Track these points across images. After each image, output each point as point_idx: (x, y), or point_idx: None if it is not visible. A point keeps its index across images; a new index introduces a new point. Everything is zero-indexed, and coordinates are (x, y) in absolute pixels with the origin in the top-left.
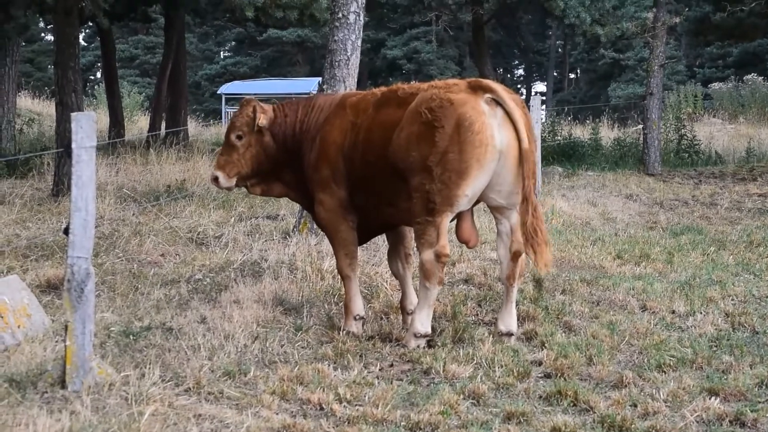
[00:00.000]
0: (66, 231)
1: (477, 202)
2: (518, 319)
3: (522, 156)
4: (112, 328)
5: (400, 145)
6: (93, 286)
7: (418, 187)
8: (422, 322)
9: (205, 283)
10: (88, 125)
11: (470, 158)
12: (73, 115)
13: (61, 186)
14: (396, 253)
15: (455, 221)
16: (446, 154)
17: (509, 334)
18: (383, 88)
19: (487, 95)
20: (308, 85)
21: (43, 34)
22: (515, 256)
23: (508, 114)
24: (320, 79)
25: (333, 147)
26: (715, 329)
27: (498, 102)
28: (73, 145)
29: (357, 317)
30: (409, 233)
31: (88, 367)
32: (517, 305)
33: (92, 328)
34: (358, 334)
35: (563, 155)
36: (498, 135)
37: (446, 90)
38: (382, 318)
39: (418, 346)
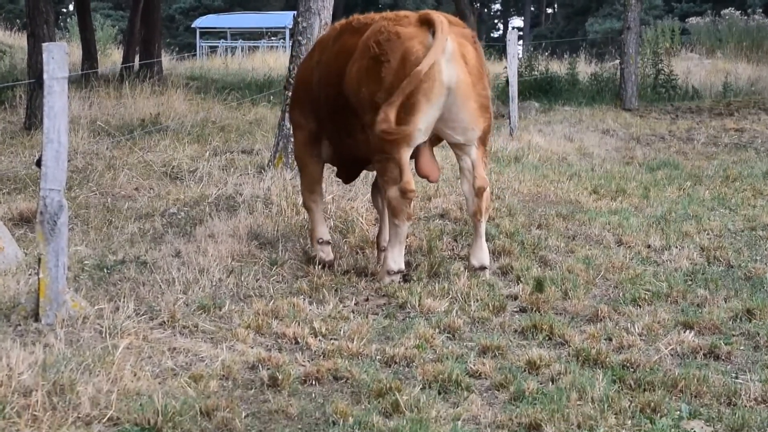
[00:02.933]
0: (38, 163)
1: (440, 140)
2: (493, 254)
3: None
4: (86, 262)
5: (351, 79)
6: (66, 218)
7: (371, 124)
8: (394, 260)
9: (179, 217)
10: (60, 56)
11: (417, 93)
12: (45, 45)
13: (34, 119)
14: (377, 188)
15: (414, 156)
16: (392, 89)
17: (482, 268)
18: (342, 21)
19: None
20: (283, 19)
21: None
22: (479, 192)
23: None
24: (295, 12)
25: (301, 86)
26: (691, 263)
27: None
28: (45, 76)
29: (320, 240)
30: None
31: (62, 300)
32: (492, 240)
33: (66, 261)
34: (326, 259)
35: (540, 90)
36: (446, 70)
37: (395, 23)
38: (357, 252)
39: (392, 281)
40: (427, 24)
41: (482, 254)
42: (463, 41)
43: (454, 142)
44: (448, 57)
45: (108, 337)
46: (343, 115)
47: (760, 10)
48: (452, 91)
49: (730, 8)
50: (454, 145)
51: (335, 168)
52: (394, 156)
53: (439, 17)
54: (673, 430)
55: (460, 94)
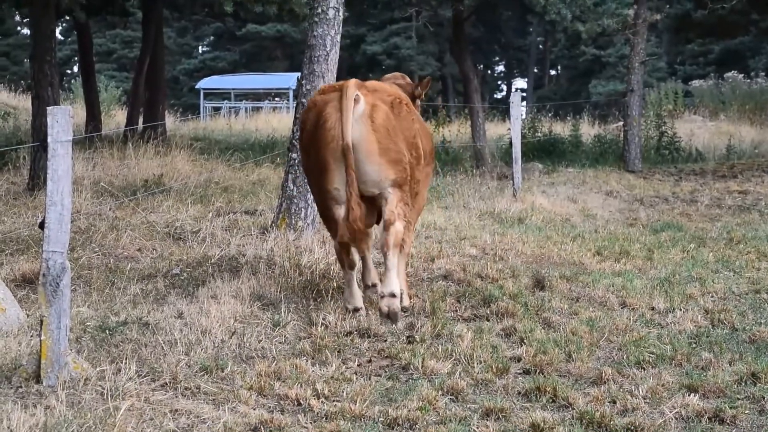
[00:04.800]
0: (41, 225)
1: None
2: (496, 316)
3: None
4: (88, 323)
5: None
6: (68, 280)
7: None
8: (348, 298)
9: (182, 278)
10: (64, 119)
11: (326, 153)
12: (49, 109)
13: (37, 180)
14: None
15: None
16: (309, 151)
17: (392, 295)
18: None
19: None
20: (287, 80)
21: (19, 28)
22: (386, 225)
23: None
24: (299, 74)
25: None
26: (695, 326)
27: (356, 100)
28: (49, 139)
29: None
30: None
31: (64, 361)
32: (495, 301)
33: (68, 323)
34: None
35: (543, 152)
36: (350, 129)
37: (320, 92)
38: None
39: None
40: (341, 90)
41: (390, 283)
42: (378, 103)
43: (369, 195)
44: (356, 117)
45: (110, 399)
46: None
47: (763, 74)
48: (356, 148)
49: (733, 71)
50: (375, 197)
51: None
52: (325, 214)
53: (348, 83)
54: None
55: (363, 150)
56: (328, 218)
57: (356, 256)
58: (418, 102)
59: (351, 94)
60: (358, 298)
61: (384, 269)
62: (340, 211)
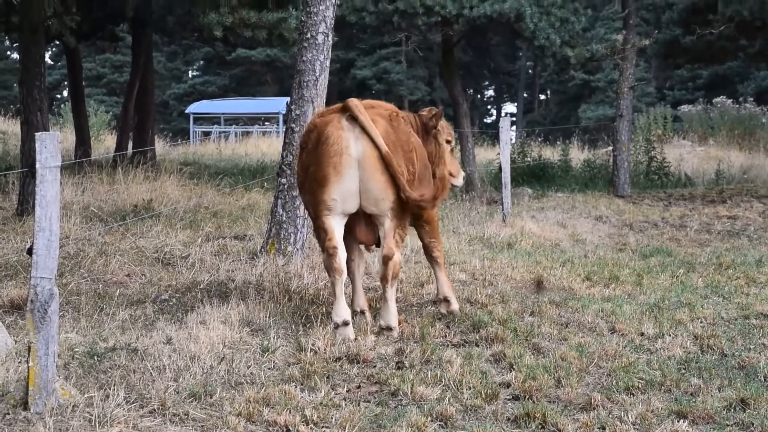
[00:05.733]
0: (30, 251)
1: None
2: (485, 341)
3: (385, 161)
4: (77, 349)
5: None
6: (57, 306)
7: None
8: (335, 312)
9: (171, 303)
10: (52, 145)
11: (327, 166)
12: (37, 135)
13: (26, 205)
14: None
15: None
16: (309, 168)
17: (388, 329)
18: None
19: (348, 114)
20: (277, 104)
21: (8, 53)
22: (384, 260)
23: (364, 128)
24: (289, 99)
25: None
26: (684, 352)
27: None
28: (37, 165)
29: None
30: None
31: (51, 388)
32: (485, 327)
33: (56, 349)
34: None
35: (533, 176)
36: (354, 145)
37: (319, 115)
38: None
39: (340, 334)
40: (343, 110)
41: (388, 316)
42: (378, 119)
43: (370, 212)
44: (357, 134)
45: (98, 425)
46: None
47: (752, 99)
48: (360, 163)
49: (721, 96)
50: (373, 217)
51: None
52: (317, 223)
53: (353, 101)
54: None
55: (368, 166)
56: (319, 227)
57: (342, 263)
58: (439, 132)
59: (362, 108)
60: (345, 310)
61: (383, 301)
62: (332, 222)
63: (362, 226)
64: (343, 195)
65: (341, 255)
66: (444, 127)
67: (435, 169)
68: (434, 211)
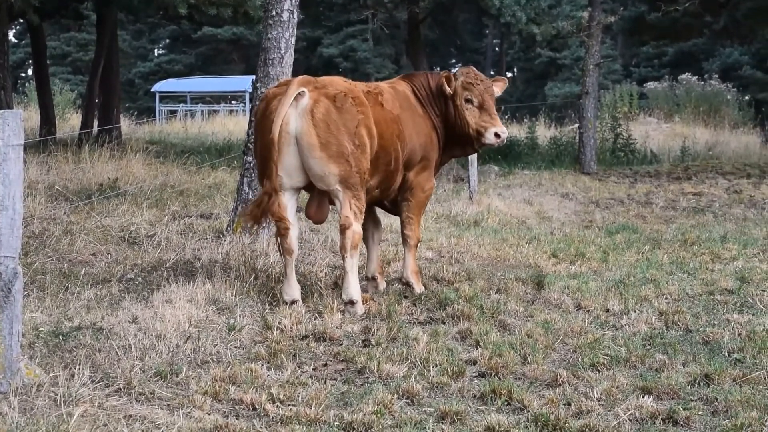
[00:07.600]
0: None
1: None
2: (452, 318)
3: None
4: (41, 329)
5: None
6: (21, 285)
7: None
8: (285, 290)
9: (136, 282)
10: (15, 123)
11: (267, 141)
12: (0, 112)
13: None
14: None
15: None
16: (255, 141)
17: (350, 302)
18: None
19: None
20: (243, 82)
21: None
22: (342, 230)
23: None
24: (254, 77)
25: None
26: (649, 328)
27: (301, 94)
28: (0, 143)
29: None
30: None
31: (16, 368)
32: (451, 304)
33: (20, 329)
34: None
35: (500, 154)
36: (293, 122)
37: (276, 85)
38: (316, 318)
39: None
40: (286, 84)
41: (350, 289)
42: (320, 98)
43: (320, 188)
44: (299, 112)
45: (63, 405)
46: None
47: (717, 76)
48: (298, 141)
49: (687, 73)
50: (328, 193)
51: None
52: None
53: (294, 80)
54: None
55: (305, 144)
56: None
57: (294, 242)
58: (457, 95)
59: (292, 92)
60: (295, 289)
61: (343, 273)
62: (282, 198)
63: (315, 202)
64: (287, 171)
65: (292, 234)
66: (459, 87)
67: (459, 131)
68: (422, 180)
